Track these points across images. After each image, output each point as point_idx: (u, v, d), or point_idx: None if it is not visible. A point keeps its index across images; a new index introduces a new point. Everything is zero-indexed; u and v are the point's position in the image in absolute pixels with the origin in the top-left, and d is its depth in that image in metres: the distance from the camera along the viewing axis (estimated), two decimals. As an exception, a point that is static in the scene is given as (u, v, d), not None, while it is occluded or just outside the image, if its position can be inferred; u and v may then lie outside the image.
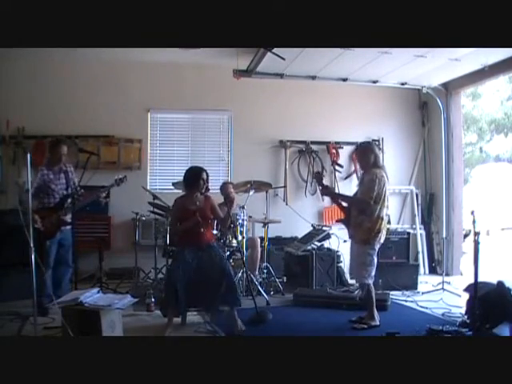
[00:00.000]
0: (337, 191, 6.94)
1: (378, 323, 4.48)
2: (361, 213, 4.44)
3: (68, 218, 4.85)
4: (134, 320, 4.69)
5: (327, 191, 4.91)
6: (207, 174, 4.52)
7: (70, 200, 4.80)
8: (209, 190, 4.56)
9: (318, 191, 4.85)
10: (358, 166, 4.83)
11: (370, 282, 4.52)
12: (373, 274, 4.52)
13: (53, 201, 4.82)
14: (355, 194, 4.69)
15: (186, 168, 4.72)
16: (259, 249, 5.96)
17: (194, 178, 4.46)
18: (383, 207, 4.45)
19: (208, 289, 4.23)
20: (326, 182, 7.34)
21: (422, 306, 5.33)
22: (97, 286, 5.34)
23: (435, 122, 7.57)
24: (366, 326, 4.43)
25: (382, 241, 4.54)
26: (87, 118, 6.84)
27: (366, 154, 4.57)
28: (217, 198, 4.94)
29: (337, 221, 5.20)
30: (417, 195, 7.75)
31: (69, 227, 4.87)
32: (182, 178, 4.72)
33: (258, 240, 6.03)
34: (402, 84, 6.89)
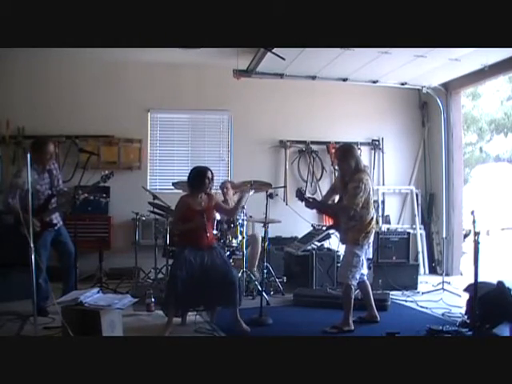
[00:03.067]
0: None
1: (352, 328, 4.35)
2: (350, 219, 4.39)
3: (54, 218, 4.69)
4: (134, 320, 4.69)
5: (311, 204, 4.77)
6: (212, 173, 4.49)
7: (54, 200, 4.67)
8: (211, 189, 4.53)
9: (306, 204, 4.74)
10: (338, 170, 4.64)
11: (354, 283, 4.43)
12: (357, 276, 4.44)
13: (37, 202, 4.51)
14: (340, 200, 4.59)
15: (190, 168, 4.69)
16: (260, 246, 5.95)
17: (200, 177, 4.42)
18: (371, 209, 4.44)
19: (211, 289, 4.23)
20: (325, 181, 7.51)
21: (422, 306, 5.33)
22: (97, 286, 5.33)
23: (435, 122, 7.56)
24: (335, 331, 4.29)
25: (370, 241, 4.53)
26: (87, 118, 6.85)
27: (347, 159, 4.44)
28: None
29: (327, 228, 5.15)
30: (417, 195, 7.75)
31: (57, 227, 4.72)
32: (182, 177, 4.72)
33: (260, 236, 6.02)
34: (402, 84, 6.89)
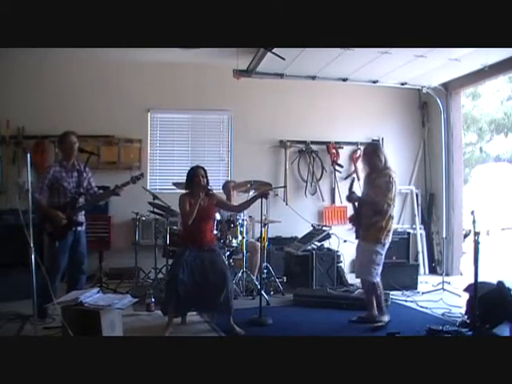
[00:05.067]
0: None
1: (387, 319, 4.55)
2: (375, 214, 4.47)
3: (80, 217, 4.68)
4: (134, 320, 4.70)
5: (353, 197, 4.76)
6: (204, 170, 4.52)
7: (82, 199, 4.64)
8: (209, 186, 4.51)
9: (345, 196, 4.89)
10: (364, 166, 4.77)
11: (378, 280, 4.56)
12: (379, 272, 4.57)
13: (63, 200, 4.55)
14: (366, 194, 4.64)
15: (187, 168, 4.72)
16: (259, 257, 5.94)
17: (191, 176, 4.48)
18: (393, 207, 4.56)
19: (207, 293, 4.24)
20: (325, 181, 7.52)
21: (422, 306, 5.34)
22: (97, 286, 5.33)
23: (435, 122, 7.57)
24: (382, 324, 4.48)
25: (389, 239, 4.60)
26: (87, 118, 6.83)
27: (377, 155, 4.58)
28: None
29: (350, 220, 5.15)
30: (417, 195, 7.76)
31: (81, 228, 4.69)
32: (182, 178, 4.73)
33: (259, 245, 6.02)
34: (402, 84, 6.89)
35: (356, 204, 4.75)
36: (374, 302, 4.71)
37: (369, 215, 4.52)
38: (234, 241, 5.53)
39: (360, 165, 4.82)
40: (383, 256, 4.55)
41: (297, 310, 5.28)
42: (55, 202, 4.54)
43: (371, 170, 4.64)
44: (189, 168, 4.65)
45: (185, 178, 4.58)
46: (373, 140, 7.66)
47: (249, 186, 5.84)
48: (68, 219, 4.52)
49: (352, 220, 4.82)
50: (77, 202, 4.62)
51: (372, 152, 4.64)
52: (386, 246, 4.58)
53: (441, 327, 4.11)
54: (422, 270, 7.17)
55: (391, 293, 5.65)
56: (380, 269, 4.56)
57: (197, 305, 4.36)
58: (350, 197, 4.73)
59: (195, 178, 4.45)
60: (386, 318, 4.56)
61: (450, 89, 7.18)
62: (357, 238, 4.75)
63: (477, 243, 3.76)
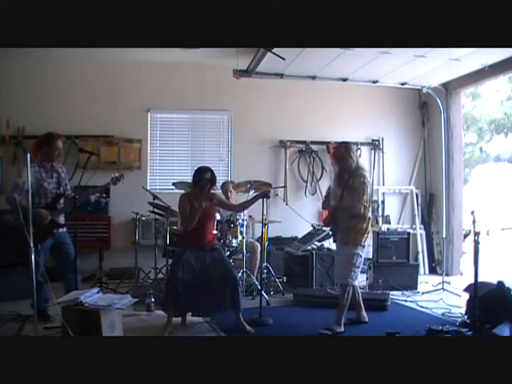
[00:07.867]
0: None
1: (342, 330, 4.32)
2: (353, 217, 4.35)
3: (61, 219, 4.58)
4: (134, 320, 4.69)
5: (329, 206, 4.69)
6: (213, 173, 4.51)
7: (62, 200, 4.54)
8: (212, 187, 4.52)
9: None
10: (335, 167, 4.68)
11: (355, 283, 4.46)
12: (357, 275, 4.45)
13: (44, 201, 4.42)
14: (341, 197, 4.47)
15: (190, 168, 4.73)
16: (259, 254, 5.94)
17: (198, 175, 4.47)
18: (370, 208, 4.45)
19: (212, 292, 4.23)
20: (325, 181, 7.51)
21: (422, 306, 5.33)
22: (97, 286, 5.33)
23: (435, 122, 7.57)
24: (330, 333, 4.24)
25: (368, 241, 4.51)
26: (87, 118, 6.85)
27: (349, 155, 4.44)
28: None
29: (325, 225, 5.13)
30: (417, 195, 7.75)
31: (62, 230, 4.58)
32: (182, 177, 4.76)
33: (258, 245, 6.02)
34: (402, 84, 6.89)
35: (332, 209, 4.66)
36: (361, 302, 4.68)
37: (346, 219, 4.39)
38: (234, 241, 5.52)
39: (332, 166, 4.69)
40: (362, 258, 4.44)
41: (297, 310, 5.27)
42: (35, 203, 4.26)
43: (343, 170, 4.49)
44: (188, 168, 4.66)
45: (185, 177, 4.57)
46: (373, 140, 7.69)
47: (249, 185, 5.84)
48: (49, 221, 4.40)
49: (328, 223, 4.75)
50: (58, 203, 4.52)
51: (344, 153, 4.47)
52: (366, 248, 4.49)
53: (441, 327, 4.10)
54: (422, 270, 7.16)
55: (391, 293, 5.66)
56: (358, 271, 4.43)
57: (200, 305, 4.34)
58: (326, 205, 4.66)
59: (201, 177, 4.43)
60: (339, 329, 4.31)
61: (450, 89, 7.18)
62: (334, 241, 4.66)
63: (477, 243, 3.76)
